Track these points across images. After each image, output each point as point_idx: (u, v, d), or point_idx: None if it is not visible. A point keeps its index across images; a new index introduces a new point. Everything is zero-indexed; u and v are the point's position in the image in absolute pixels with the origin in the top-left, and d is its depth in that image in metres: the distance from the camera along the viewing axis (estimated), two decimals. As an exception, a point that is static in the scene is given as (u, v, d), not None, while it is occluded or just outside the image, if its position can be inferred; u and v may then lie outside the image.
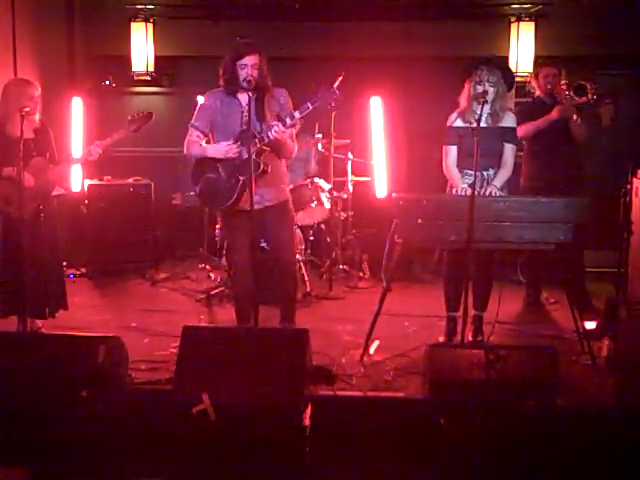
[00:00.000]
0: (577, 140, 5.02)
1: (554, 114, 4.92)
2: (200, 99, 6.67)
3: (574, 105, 4.89)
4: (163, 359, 4.08)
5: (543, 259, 5.06)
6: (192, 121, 4.29)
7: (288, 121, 4.04)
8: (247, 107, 4.03)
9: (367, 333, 4.23)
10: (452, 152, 4.34)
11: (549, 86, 5.00)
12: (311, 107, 4.00)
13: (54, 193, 4.45)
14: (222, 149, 4.14)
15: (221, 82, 4.18)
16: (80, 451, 3.29)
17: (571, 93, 4.87)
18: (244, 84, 3.99)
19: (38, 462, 3.28)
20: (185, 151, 4.29)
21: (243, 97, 4.12)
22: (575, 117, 4.89)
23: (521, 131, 4.86)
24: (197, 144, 4.24)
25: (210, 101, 4.27)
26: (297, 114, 4.03)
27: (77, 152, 6.32)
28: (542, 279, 5.38)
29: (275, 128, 4.01)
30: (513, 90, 6.30)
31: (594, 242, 5.53)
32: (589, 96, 4.86)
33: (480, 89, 4.14)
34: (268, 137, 4.01)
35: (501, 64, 4.42)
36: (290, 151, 4.26)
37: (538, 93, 5.15)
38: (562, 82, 4.96)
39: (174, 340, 3.77)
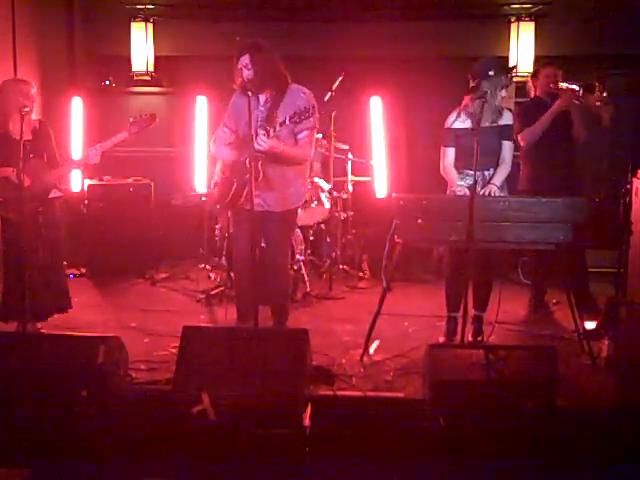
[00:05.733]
0: (577, 139, 5.00)
1: (557, 104, 4.86)
2: (200, 99, 6.77)
3: (574, 96, 4.86)
4: (163, 359, 4.08)
5: (545, 260, 5.05)
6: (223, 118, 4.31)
7: (272, 132, 3.90)
8: (263, 107, 4.02)
9: (367, 333, 4.22)
10: (450, 154, 4.33)
11: (552, 85, 4.95)
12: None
13: (51, 195, 4.39)
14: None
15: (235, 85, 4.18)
16: (80, 451, 3.29)
17: (570, 85, 4.85)
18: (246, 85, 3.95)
19: (38, 462, 3.28)
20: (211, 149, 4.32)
21: (262, 97, 4.08)
22: (578, 89, 4.81)
23: (529, 134, 4.87)
24: (220, 142, 4.22)
25: (236, 97, 4.23)
26: (278, 126, 3.91)
27: (77, 153, 6.37)
28: (546, 280, 5.38)
29: (258, 139, 3.85)
30: (513, 90, 6.33)
31: (594, 242, 5.53)
32: (598, 95, 4.84)
33: (487, 86, 4.11)
34: (255, 147, 3.84)
35: (506, 66, 4.45)
36: (288, 159, 4.07)
37: (535, 93, 5.11)
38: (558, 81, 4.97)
39: (174, 340, 3.77)
